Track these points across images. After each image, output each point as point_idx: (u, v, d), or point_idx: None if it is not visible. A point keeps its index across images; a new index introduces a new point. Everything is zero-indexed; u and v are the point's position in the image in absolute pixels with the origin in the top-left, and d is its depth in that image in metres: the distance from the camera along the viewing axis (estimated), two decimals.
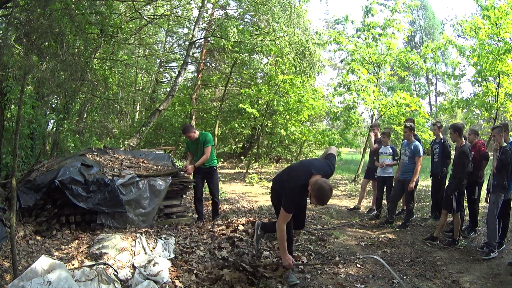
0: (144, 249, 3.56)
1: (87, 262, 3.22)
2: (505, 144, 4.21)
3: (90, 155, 5.31)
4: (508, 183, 4.18)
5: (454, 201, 4.51)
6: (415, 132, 5.82)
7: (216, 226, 4.80)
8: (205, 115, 16.76)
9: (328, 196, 2.86)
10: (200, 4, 11.82)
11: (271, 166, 15.05)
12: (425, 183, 9.39)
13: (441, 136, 5.75)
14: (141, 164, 5.58)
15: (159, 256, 3.44)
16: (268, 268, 3.55)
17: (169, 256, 3.59)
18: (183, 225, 4.97)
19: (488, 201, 4.42)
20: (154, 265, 3.24)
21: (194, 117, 15.77)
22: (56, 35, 5.57)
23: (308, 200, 3.33)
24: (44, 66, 5.58)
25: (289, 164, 15.93)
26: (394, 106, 10.32)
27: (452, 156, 5.44)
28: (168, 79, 19.30)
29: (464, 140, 4.66)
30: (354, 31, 11.53)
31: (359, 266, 3.88)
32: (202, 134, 5.23)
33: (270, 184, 9.59)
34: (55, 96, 8.79)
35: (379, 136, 6.55)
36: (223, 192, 8.15)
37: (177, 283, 3.13)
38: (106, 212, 4.39)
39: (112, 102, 10.27)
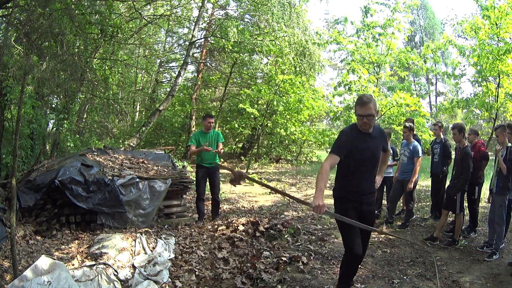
0: (144, 249, 3.57)
1: (87, 262, 3.22)
2: (510, 145, 4.20)
3: (90, 155, 5.31)
4: (511, 184, 4.17)
5: (458, 201, 4.51)
6: (414, 132, 5.82)
7: (216, 226, 4.81)
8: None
9: (363, 96, 2.70)
10: (200, 4, 11.83)
11: (271, 166, 15.05)
12: (425, 183, 9.39)
13: (442, 136, 5.75)
14: (141, 164, 5.58)
15: (159, 256, 3.44)
16: (268, 268, 3.55)
17: (169, 256, 3.59)
18: (183, 225, 4.98)
19: (491, 202, 4.41)
20: (154, 265, 3.24)
21: (194, 117, 15.77)
22: (56, 35, 5.57)
23: None
24: (44, 66, 5.58)
25: (289, 164, 16.03)
26: (394, 106, 10.33)
27: (453, 156, 5.45)
28: (168, 79, 19.31)
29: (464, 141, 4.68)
30: (354, 31, 11.55)
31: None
32: (214, 130, 5.38)
33: (270, 184, 9.64)
34: (55, 96, 8.80)
35: None
36: (223, 192, 8.15)
37: (177, 283, 3.13)
38: (106, 212, 4.39)
39: (112, 102, 10.28)
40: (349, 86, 11.21)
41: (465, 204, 5.03)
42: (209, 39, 14.45)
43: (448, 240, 4.68)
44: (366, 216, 2.85)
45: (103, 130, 13.18)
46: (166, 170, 5.49)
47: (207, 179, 5.36)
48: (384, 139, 2.98)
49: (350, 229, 2.74)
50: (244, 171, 11.97)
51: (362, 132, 2.73)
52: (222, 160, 15.74)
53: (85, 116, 11.19)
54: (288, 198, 7.67)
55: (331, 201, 3.05)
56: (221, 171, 5.67)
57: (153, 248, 3.64)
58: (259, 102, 14.25)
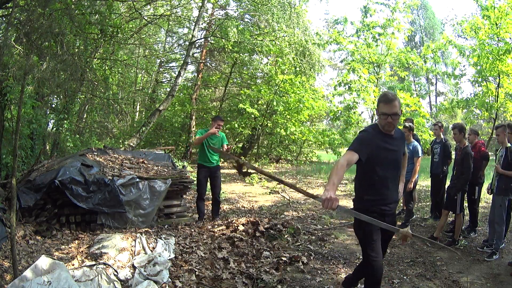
0: (144, 249, 3.56)
1: (87, 262, 3.21)
2: (509, 145, 4.21)
3: (90, 155, 5.31)
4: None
5: (458, 201, 4.52)
6: (414, 132, 5.81)
7: (216, 226, 4.81)
8: (205, 115, 16.78)
9: (388, 93, 2.52)
10: (200, 4, 11.83)
11: (271, 166, 15.05)
12: (425, 183, 9.39)
13: (442, 136, 5.75)
14: (141, 164, 5.58)
15: (159, 256, 3.44)
16: (268, 268, 3.55)
17: (169, 256, 3.59)
18: (183, 225, 4.98)
19: (491, 202, 4.41)
20: (154, 265, 3.24)
21: (194, 117, 15.77)
22: (56, 35, 5.57)
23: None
24: (44, 66, 5.58)
25: (289, 164, 16.03)
26: None
27: (453, 156, 5.45)
28: (168, 79, 19.33)
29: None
30: (354, 31, 11.54)
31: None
32: (219, 132, 5.37)
33: (270, 184, 9.66)
34: (55, 96, 8.81)
35: None
36: (223, 192, 8.15)
37: (177, 283, 3.13)
38: (106, 212, 4.40)
39: (112, 102, 10.28)
40: (349, 85, 11.19)
41: (465, 204, 5.03)
42: (209, 39, 14.46)
43: (448, 240, 4.68)
44: (388, 233, 2.59)
45: (103, 130, 13.20)
46: (166, 170, 5.49)
47: (208, 179, 5.37)
48: (403, 139, 2.79)
49: (372, 238, 2.47)
50: (245, 170, 11.97)
51: (384, 133, 2.51)
52: (222, 160, 15.74)
53: (85, 116, 11.21)
54: (289, 198, 7.69)
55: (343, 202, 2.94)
56: (221, 171, 5.66)
57: (153, 248, 3.64)
58: (259, 102, 14.25)
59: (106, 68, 9.27)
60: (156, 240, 3.79)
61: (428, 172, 6.43)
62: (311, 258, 4.03)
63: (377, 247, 2.47)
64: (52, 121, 8.55)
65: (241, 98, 14.26)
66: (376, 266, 2.46)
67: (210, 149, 5.14)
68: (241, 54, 13.21)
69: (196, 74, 17.24)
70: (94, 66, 8.39)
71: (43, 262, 2.70)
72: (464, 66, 15.72)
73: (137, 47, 14.92)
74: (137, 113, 18.39)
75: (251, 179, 10.44)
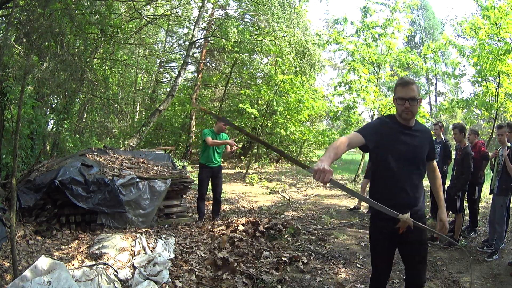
0: (144, 249, 3.56)
1: (87, 262, 3.21)
2: (510, 144, 4.21)
3: (90, 155, 5.31)
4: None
5: (458, 201, 4.52)
6: None
7: (216, 226, 4.81)
8: (205, 115, 16.76)
9: (405, 77, 2.30)
10: (200, 4, 11.83)
11: (271, 166, 15.05)
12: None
13: (442, 136, 5.75)
14: (141, 164, 5.59)
15: (159, 256, 3.44)
16: (268, 268, 3.55)
17: (169, 256, 3.59)
18: (183, 225, 4.98)
19: (492, 202, 4.41)
20: (154, 265, 3.24)
21: (194, 117, 15.77)
22: (56, 35, 5.57)
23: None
24: (44, 66, 5.58)
25: (289, 164, 16.01)
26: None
27: (453, 156, 5.45)
28: (168, 79, 19.32)
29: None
30: (354, 31, 11.52)
31: (359, 266, 3.88)
32: (223, 134, 5.40)
33: (270, 184, 9.66)
34: (55, 96, 8.80)
35: None
36: (223, 192, 8.15)
37: (177, 283, 3.13)
38: (106, 212, 4.40)
39: (112, 102, 10.28)
40: (349, 85, 11.19)
41: (465, 204, 5.03)
42: (209, 39, 14.45)
43: (448, 240, 4.68)
44: (412, 246, 2.27)
45: (103, 130, 13.20)
46: (166, 170, 5.49)
47: (210, 179, 5.37)
48: (430, 139, 2.35)
49: (375, 250, 2.37)
50: (245, 171, 11.98)
51: (401, 123, 2.22)
52: (223, 160, 15.74)
53: (85, 116, 11.21)
54: (289, 198, 7.69)
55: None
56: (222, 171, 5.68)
57: (153, 248, 3.64)
58: (259, 102, 14.25)
59: (106, 68, 9.28)
60: (156, 240, 3.79)
61: None
62: (311, 258, 4.03)
63: (380, 259, 2.36)
64: (52, 121, 8.54)
65: (241, 98, 14.25)
66: (375, 280, 2.41)
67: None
68: (241, 54, 13.21)
69: (196, 74, 17.23)
70: (94, 66, 8.39)
71: (43, 262, 2.70)
72: (464, 66, 15.71)
73: (137, 47, 14.91)
74: (137, 113, 18.39)
75: (251, 179, 10.43)
